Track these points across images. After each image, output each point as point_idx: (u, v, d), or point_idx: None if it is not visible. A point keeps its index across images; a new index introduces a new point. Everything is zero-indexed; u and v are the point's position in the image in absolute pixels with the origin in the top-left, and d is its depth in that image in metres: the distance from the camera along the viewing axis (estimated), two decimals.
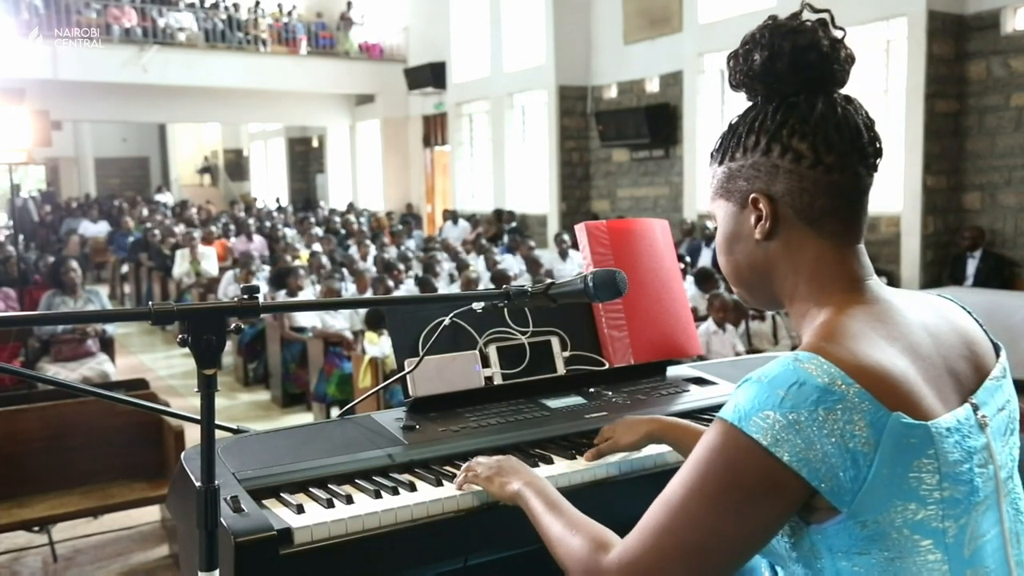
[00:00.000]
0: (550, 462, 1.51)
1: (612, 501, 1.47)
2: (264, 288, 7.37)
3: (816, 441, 0.89)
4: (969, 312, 1.12)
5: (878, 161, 1.07)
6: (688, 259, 7.96)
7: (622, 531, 1.07)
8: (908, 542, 0.93)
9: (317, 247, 9.76)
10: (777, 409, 0.91)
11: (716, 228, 1.15)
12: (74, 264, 5.57)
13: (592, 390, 1.82)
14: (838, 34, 1.05)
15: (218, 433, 1.22)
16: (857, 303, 1.02)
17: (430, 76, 15.11)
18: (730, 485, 0.92)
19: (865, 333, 0.97)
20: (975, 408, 0.99)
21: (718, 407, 1.75)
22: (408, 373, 1.67)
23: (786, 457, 0.90)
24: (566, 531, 1.11)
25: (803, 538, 0.97)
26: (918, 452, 0.92)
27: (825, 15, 1.07)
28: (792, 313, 1.09)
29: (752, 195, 1.06)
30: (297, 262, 8.55)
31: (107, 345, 5.68)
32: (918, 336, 1.00)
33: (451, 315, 1.73)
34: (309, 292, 7.26)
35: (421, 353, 1.67)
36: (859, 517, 0.92)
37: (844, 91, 1.08)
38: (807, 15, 1.07)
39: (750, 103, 1.10)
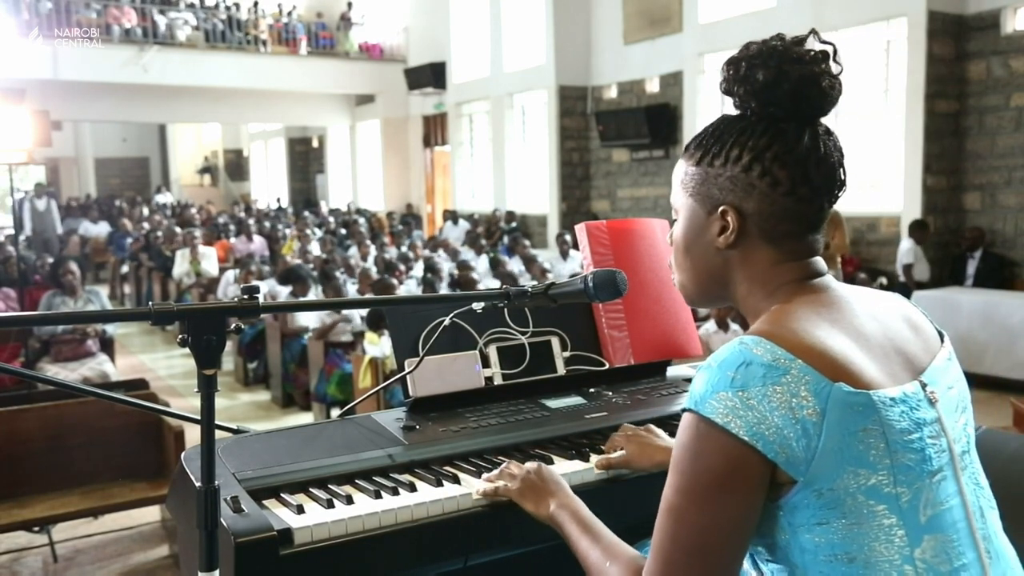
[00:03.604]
0: (550, 462, 1.51)
1: (612, 502, 1.47)
2: (272, 285, 7.37)
3: (767, 414, 0.95)
4: (914, 306, 1.19)
5: (841, 194, 1.12)
6: None
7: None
8: (864, 507, 0.98)
9: (316, 247, 9.74)
10: (729, 388, 0.97)
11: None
12: (74, 264, 5.56)
13: (592, 390, 1.82)
14: (836, 68, 1.08)
15: (218, 433, 1.22)
16: (804, 294, 1.09)
17: (430, 76, 15.10)
18: (702, 476, 0.98)
19: (808, 316, 1.04)
20: (923, 385, 1.05)
21: None
22: (408, 373, 1.67)
23: (741, 433, 0.95)
24: (602, 560, 1.16)
25: (765, 517, 1.01)
26: (863, 419, 0.97)
27: (830, 48, 1.09)
28: (745, 312, 1.15)
29: (723, 207, 1.10)
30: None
31: (107, 345, 5.68)
32: (863, 320, 1.07)
33: (451, 315, 1.73)
34: (310, 293, 7.24)
35: (421, 353, 1.67)
36: (815, 485, 0.97)
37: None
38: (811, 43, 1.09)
39: (738, 112, 1.13)
